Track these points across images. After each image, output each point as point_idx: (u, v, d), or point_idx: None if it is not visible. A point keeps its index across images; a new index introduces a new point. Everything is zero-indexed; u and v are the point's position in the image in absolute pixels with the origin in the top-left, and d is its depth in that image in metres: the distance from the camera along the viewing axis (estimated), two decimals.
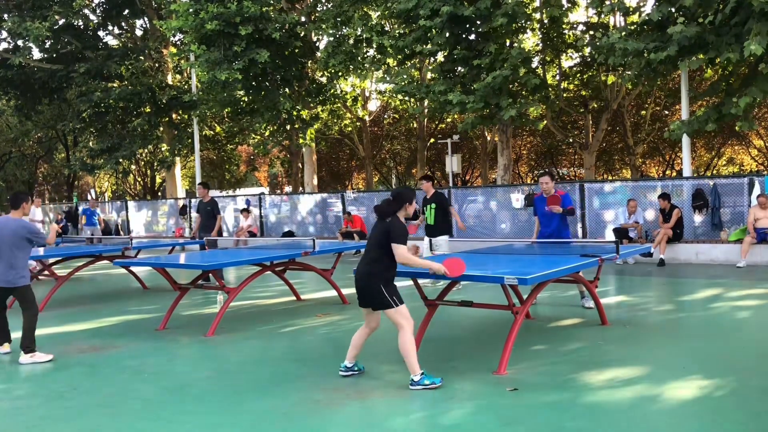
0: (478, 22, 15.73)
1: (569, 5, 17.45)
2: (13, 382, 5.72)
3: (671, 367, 5.37)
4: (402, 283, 10.36)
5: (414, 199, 5.27)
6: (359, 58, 19.58)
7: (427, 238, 10.20)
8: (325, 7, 21.59)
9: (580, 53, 20.11)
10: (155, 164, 30.73)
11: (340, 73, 20.91)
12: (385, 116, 33.96)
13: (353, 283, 10.94)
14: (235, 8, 17.97)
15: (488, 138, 28.89)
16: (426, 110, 22.75)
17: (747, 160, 33.55)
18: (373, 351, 6.38)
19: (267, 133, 24.89)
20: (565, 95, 22.34)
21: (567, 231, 8.37)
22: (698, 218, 13.34)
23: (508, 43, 16.61)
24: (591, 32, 17.51)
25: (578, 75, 21.72)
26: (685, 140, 14.15)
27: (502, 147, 17.87)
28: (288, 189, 38.42)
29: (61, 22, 23.76)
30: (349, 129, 30.05)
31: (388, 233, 5.03)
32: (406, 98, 23.51)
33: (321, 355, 6.23)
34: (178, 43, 25.22)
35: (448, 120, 29.49)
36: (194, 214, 16.29)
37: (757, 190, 12.42)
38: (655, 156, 31.45)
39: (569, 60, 21.86)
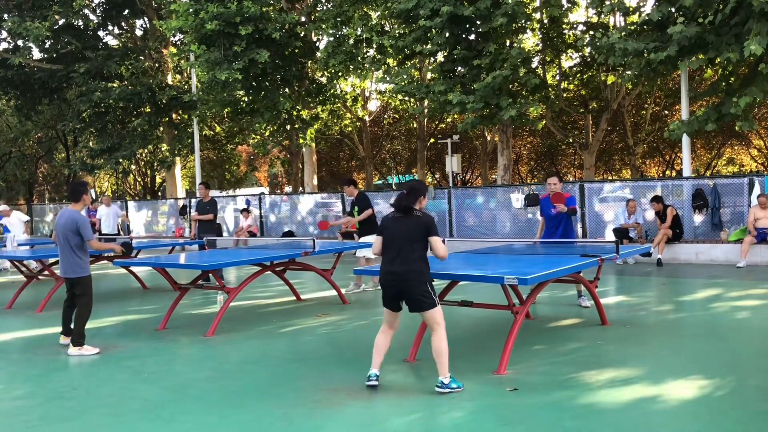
0: (478, 22, 15.73)
1: (569, 5, 17.45)
2: (13, 382, 5.72)
3: (671, 367, 5.37)
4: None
5: (427, 192, 5.18)
6: (359, 58, 19.57)
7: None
8: (325, 7, 21.59)
9: (580, 53, 20.12)
10: (155, 164, 30.73)
11: (340, 73, 20.90)
12: (385, 116, 33.95)
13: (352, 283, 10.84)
14: (235, 8, 17.96)
15: (488, 138, 28.89)
16: (426, 110, 22.75)
17: (747, 160, 33.55)
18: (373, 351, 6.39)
19: (267, 133, 24.89)
20: (565, 95, 22.34)
21: (573, 234, 8.41)
22: (698, 218, 13.34)
23: (508, 43, 16.61)
24: (591, 32, 17.51)
25: (578, 75, 21.72)
26: (685, 140, 14.15)
27: (502, 147, 17.87)
28: (288, 189, 38.42)
29: (61, 22, 23.76)
30: (349, 129, 30.04)
31: (426, 228, 4.86)
32: (406, 98, 23.52)
33: (321, 355, 6.23)
34: (178, 43, 25.21)
35: (448, 120, 29.48)
36: (193, 214, 16.28)
37: (757, 190, 12.42)
38: (655, 156, 31.45)
39: (569, 60, 21.87)
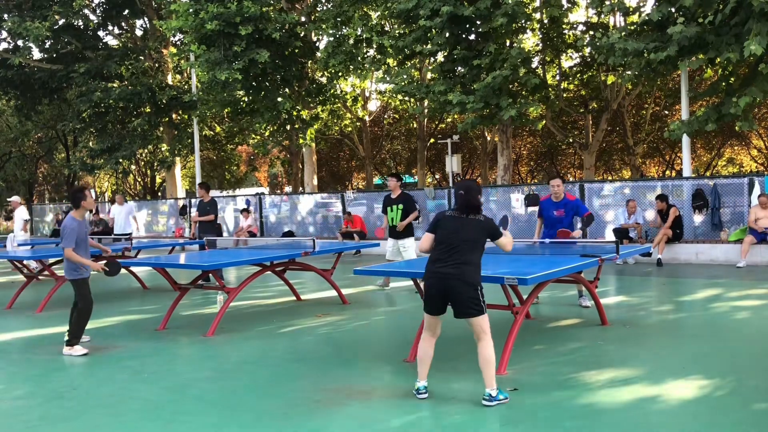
0: (478, 22, 15.73)
1: (569, 5, 17.45)
2: (13, 382, 5.72)
3: (671, 367, 5.37)
4: (399, 284, 10.34)
5: (482, 190, 5.11)
6: (359, 58, 19.57)
7: (391, 240, 10.17)
8: (325, 7, 21.59)
9: (580, 53, 20.11)
10: (155, 164, 30.75)
11: (340, 73, 20.91)
12: (385, 116, 33.95)
13: (353, 283, 10.88)
14: (235, 8, 17.97)
15: (488, 138, 28.89)
16: (426, 110, 22.75)
17: (747, 160, 33.54)
18: (373, 351, 6.39)
19: (267, 133, 24.88)
20: (565, 95, 22.33)
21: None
22: (698, 218, 13.34)
23: (508, 43, 16.61)
24: (591, 32, 17.51)
25: (578, 75, 21.71)
26: (685, 140, 14.15)
27: (502, 147, 17.87)
28: (288, 189, 38.41)
29: (61, 22, 23.77)
30: (349, 129, 30.04)
31: (490, 232, 4.73)
32: (406, 98, 23.52)
33: (321, 355, 6.23)
34: (178, 43, 25.22)
35: (448, 120, 29.48)
36: (194, 215, 16.27)
37: (757, 190, 12.43)
38: (655, 156, 31.44)
39: (569, 60, 21.87)
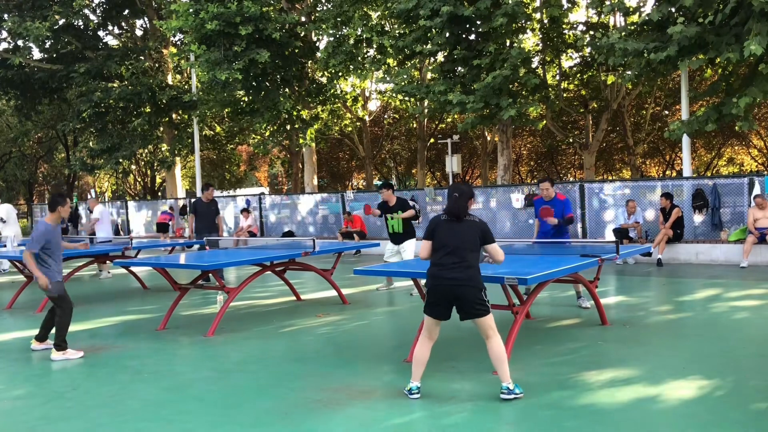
0: (478, 22, 15.72)
1: (569, 5, 17.45)
2: (13, 382, 5.72)
3: (671, 367, 5.37)
4: (403, 283, 10.34)
5: (474, 194, 5.03)
6: (359, 58, 19.56)
7: (391, 244, 10.11)
8: (325, 7, 21.58)
9: (580, 53, 20.11)
10: (155, 164, 30.73)
11: (340, 73, 20.89)
12: (385, 116, 33.94)
13: (353, 283, 10.90)
14: (235, 8, 17.97)
15: (488, 138, 28.88)
16: (426, 110, 22.75)
17: (747, 160, 33.54)
18: (373, 351, 6.39)
19: (267, 133, 24.89)
20: (565, 95, 22.33)
21: (567, 235, 8.45)
22: (698, 218, 13.34)
23: (508, 43, 16.60)
24: (591, 32, 17.50)
25: (578, 75, 21.71)
26: (685, 140, 14.15)
27: (502, 147, 17.86)
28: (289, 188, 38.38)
29: (61, 22, 23.75)
30: (349, 129, 30.03)
31: (483, 234, 4.76)
32: (406, 98, 23.49)
33: (321, 355, 6.23)
34: (178, 43, 25.21)
35: (448, 120, 29.47)
36: (189, 217, 16.25)
37: (757, 190, 12.41)
38: (655, 156, 31.45)
39: (569, 60, 21.86)
